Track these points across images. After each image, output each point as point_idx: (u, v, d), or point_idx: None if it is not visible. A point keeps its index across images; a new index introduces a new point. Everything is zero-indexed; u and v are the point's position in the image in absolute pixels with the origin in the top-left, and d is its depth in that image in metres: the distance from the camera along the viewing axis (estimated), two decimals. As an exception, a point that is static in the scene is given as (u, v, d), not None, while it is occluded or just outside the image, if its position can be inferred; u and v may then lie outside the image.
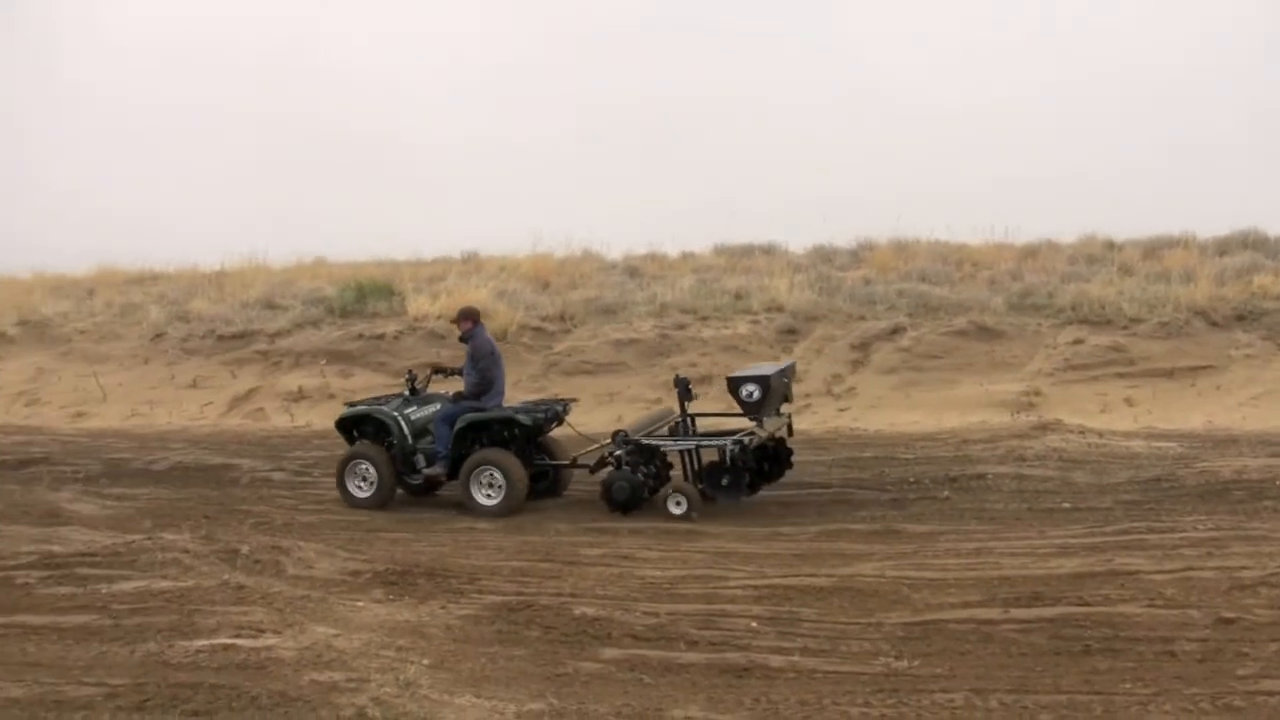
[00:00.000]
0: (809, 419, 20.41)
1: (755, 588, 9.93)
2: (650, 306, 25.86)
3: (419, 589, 10.25)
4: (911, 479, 15.07)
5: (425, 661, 8.14)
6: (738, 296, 25.96)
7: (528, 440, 15.15)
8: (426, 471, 15.47)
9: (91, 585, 10.37)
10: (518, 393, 21.96)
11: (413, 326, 26.13)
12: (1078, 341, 21.96)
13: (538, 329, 25.53)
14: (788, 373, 15.44)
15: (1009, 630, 8.59)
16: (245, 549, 11.39)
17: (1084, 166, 54.04)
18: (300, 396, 24.52)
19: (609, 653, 8.28)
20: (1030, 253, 30.94)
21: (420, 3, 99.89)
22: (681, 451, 14.62)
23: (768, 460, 14.83)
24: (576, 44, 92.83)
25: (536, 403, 16.00)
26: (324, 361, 25.60)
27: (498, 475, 14.58)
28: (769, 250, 34.33)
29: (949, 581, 9.99)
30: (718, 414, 15.41)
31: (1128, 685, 7.47)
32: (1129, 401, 20.15)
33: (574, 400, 16.67)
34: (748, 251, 34.27)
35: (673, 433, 15.06)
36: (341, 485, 15.49)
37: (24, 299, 33.77)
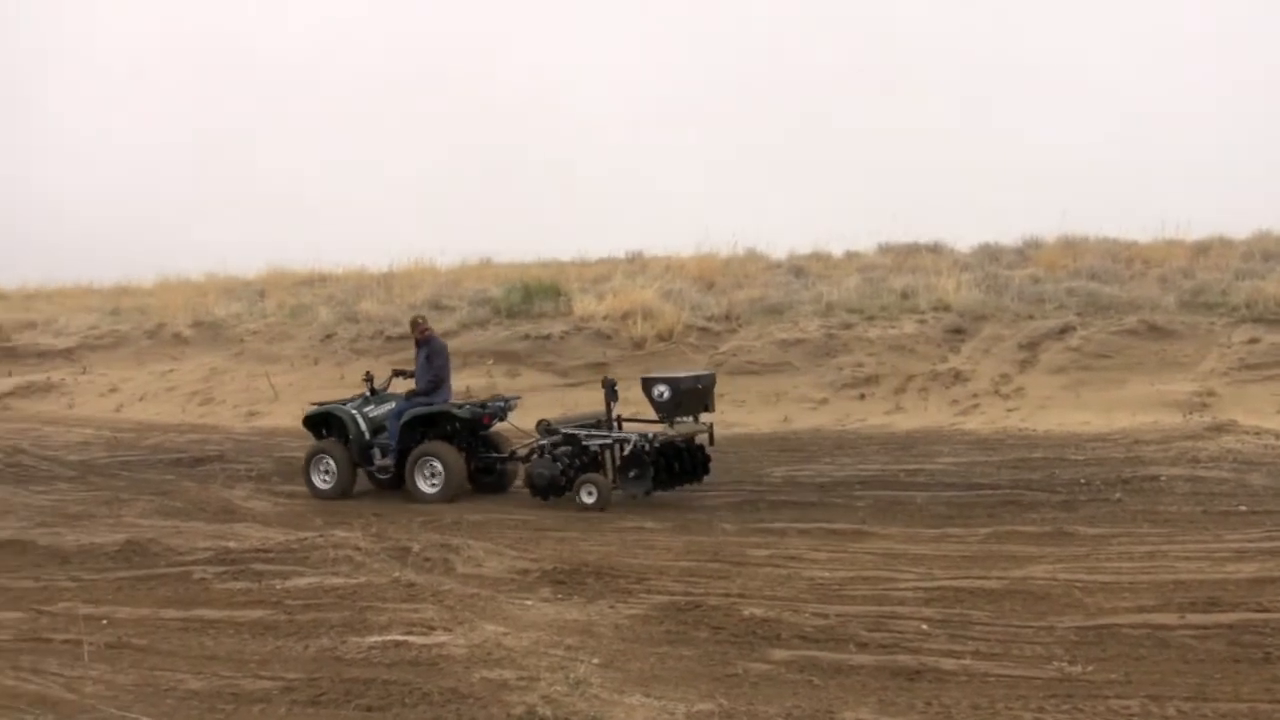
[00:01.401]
0: (977, 419, 20.23)
1: (925, 590, 9.84)
2: (816, 306, 25.73)
3: (587, 588, 10.29)
4: (1082, 480, 14.84)
5: (595, 660, 8.16)
6: (904, 296, 25.74)
7: (471, 433, 16.62)
8: (379, 463, 16.72)
9: (266, 581, 10.61)
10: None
11: (579, 326, 26.24)
12: (1253, 340, 21.41)
13: (703, 329, 25.53)
14: (704, 381, 16.17)
15: (1185, 636, 8.40)
16: (415, 547, 11.59)
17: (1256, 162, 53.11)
18: (468, 396, 24.71)
19: (778, 654, 8.24)
20: (1202, 249, 30.33)
21: (587, 12, 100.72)
22: (603, 447, 15.59)
23: (679, 461, 15.59)
24: (736, 47, 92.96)
25: (483, 400, 17.22)
26: (491, 361, 25.80)
27: (438, 465, 15.97)
28: (934, 248, 34.07)
29: (1123, 585, 9.81)
30: (641, 419, 15.93)
31: (1312, 695, 7.28)
32: (1308, 402, 19.63)
33: (518, 398, 17.77)
34: (913, 250, 34.01)
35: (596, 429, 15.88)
36: (307, 479, 16.81)
37: (198, 301, 34.56)
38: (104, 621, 9.65)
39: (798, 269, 32.02)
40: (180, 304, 34.14)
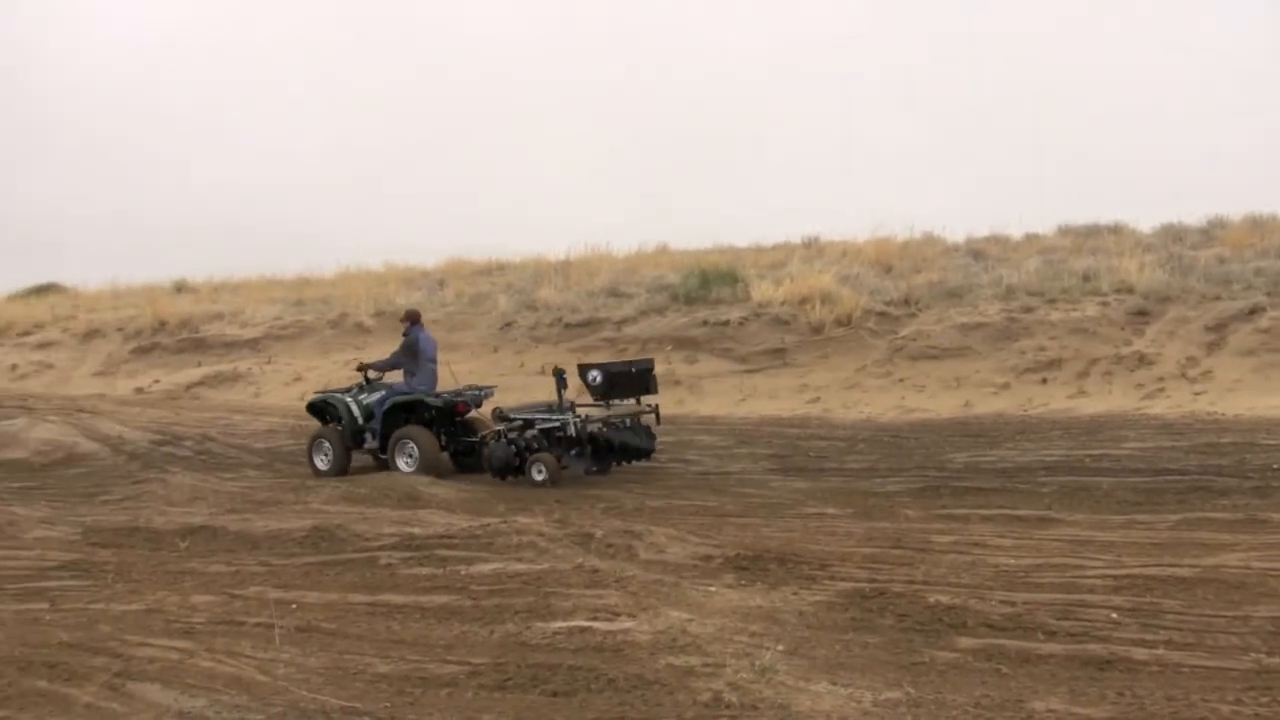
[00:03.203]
0: (1162, 403, 19.83)
1: (1114, 577, 9.66)
2: (996, 289, 25.41)
3: (770, 574, 10.24)
4: (1275, 466, 14.49)
5: (780, 647, 8.11)
6: (1086, 278, 25.30)
7: (447, 419, 18.26)
8: (368, 446, 18.46)
9: (451, 566, 10.75)
10: (854, 375, 22.04)
11: (757, 312, 26.20)
12: None
13: (882, 313, 25.35)
14: (639, 366, 18.01)
15: (1392, 628, 8.16)
16: (598, 533, 11.62)
17: None
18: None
19: (965, 642, 8.13)
20: (1400, 224, 29.48)
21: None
22: (549, 430, 16.76)
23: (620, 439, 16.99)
24: (909, 29, 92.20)
25: (460, 389, 18.74)
26: (669, 348, 25.86)
27: (414, 446, 17.60)
28: (1115, 229, 33.42)
29: (1321, 574, 9.58)
30: (587, 404, 17.37)
31: None
32: None
33: (493, 387, 19.52)
34: (1093, 231, 33.42)
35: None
36: (310, 459, 18.61)
37: (379, 290, 35.03)
38: (293, 605, 9.84)
39: (976, 252, 31.62)
40: (361, 294, 34.63)
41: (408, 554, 11.30)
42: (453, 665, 7.99)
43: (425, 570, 10.74)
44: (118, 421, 24.27)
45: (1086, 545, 11.00)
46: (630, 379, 17.51)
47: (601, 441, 16.86)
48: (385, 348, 30.15)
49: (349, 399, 18.76)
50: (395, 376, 19.01)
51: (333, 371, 29.32)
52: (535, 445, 16.69)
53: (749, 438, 19.59)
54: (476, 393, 18.53)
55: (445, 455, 18.30)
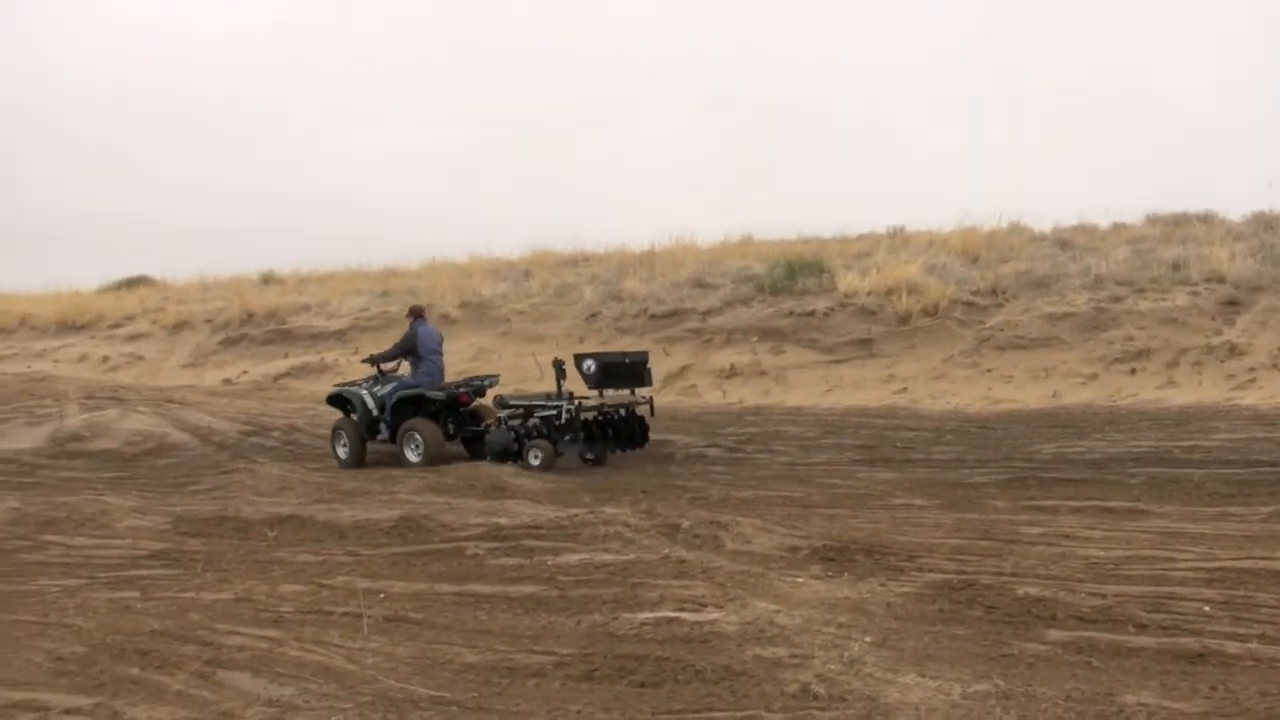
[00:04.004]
0: (1254, 394, 19.60)
1: (1206, 570, 9.53)
2: (1084, 279, 25.21)
3: (858, 566, 10.18)
4: (1370, 457, 14.30)
5: (868, 639, 8.05)
6: (1175, 267, 25.04)
7: (453, 410, 18.99)
8: (380, 437, 19.05)
9: (537, 557, 10.75)
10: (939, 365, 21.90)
11: (843, 303, 26.12)
12: None
13: (969, 303, 25.21)
14: (634, 358, 18.65)
15: None
16: (685, 524, 11.58)
17: None
18: (732, 373, 24.81)
19: (1054, 634, 8.04)
20: None
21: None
22: (546, 418, 17.51)
23: (613, 428, 18.03)
24: (992, 15, 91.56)
25: (465, 379, 19.72)
26: (755, 338, 25.83)
27: (419, 438, 18.24)
28: (1205, 218, 33.02)
29: None
30: (585, 395, 17.97)
31: None
32: None
33: (496, 376, 19.95)
34: (1182, 220, 33.03)
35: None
36: (332, 449, 19.30)
37: (464, 282, 35.12)
38: (381, 595, 9.87)
39: (1063, 241, 31.32)
40: (447, 285, 34.74)
41: (494, 544, 11.33)
42: (539, 655, 7.99)
43: (512, 560, 10.75)
44: (206, 412, 24.53)
45: (1177, 537, 10.87)
46: (624, 370, 18.14)
47: (596, 430, 17.66)
48: (473, 339, 30.44)
49: (363, 391, 19.39)
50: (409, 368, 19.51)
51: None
52: (535, 432, 17.42)
53: (835, 428, 19.54)
54: (480, 383, 19.21)
55: (452, 444, 18.98)
